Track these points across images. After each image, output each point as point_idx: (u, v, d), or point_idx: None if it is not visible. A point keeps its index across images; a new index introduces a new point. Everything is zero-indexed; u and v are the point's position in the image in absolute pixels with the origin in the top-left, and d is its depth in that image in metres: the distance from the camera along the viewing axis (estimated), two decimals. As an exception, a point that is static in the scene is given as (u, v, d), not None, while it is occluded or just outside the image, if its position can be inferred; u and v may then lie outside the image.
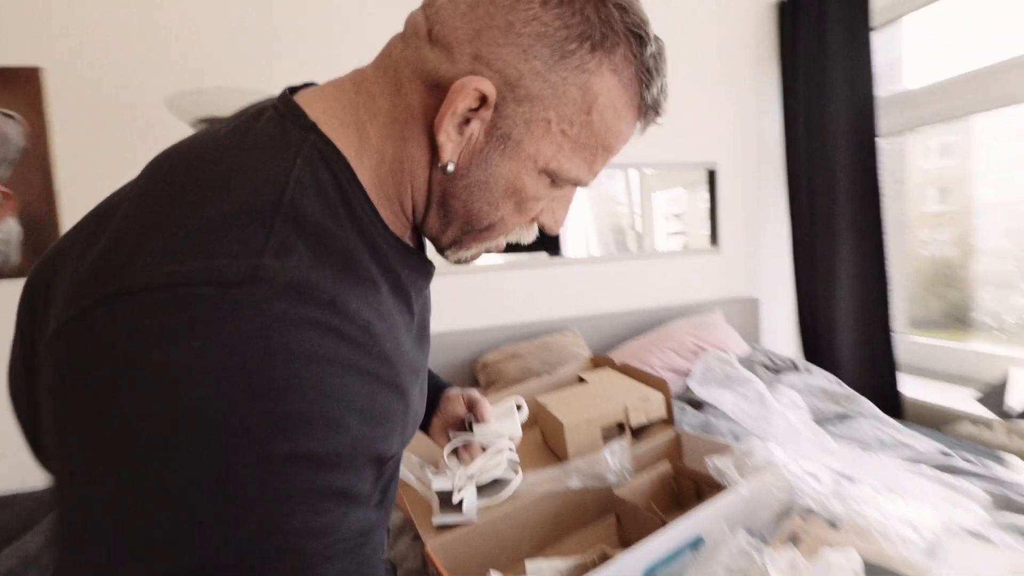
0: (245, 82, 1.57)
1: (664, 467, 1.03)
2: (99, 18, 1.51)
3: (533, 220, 0.44)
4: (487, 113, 0.34)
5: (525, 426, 1.30)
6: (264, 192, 0.28)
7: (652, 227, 2.09)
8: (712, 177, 2.15)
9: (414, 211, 0.40)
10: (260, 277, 0.25)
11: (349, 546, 0.25)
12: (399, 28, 0.39)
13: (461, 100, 0.33)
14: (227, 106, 1.08)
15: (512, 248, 1.57)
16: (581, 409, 1.12)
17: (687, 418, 1.34)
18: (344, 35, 1.65)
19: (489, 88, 0.33)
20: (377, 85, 0.36)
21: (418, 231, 0.43)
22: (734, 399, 1.20)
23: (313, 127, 0.33)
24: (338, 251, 0.30)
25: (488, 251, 0.45)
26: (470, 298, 1.86)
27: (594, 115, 0.36)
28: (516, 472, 0.84)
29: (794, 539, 0.79)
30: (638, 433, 1.16)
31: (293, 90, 0.38)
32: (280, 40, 1.63)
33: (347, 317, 0.28)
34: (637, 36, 0.35)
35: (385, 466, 0.33)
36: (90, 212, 0.34)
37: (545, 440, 1.21)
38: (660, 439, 1.12)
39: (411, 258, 0.39)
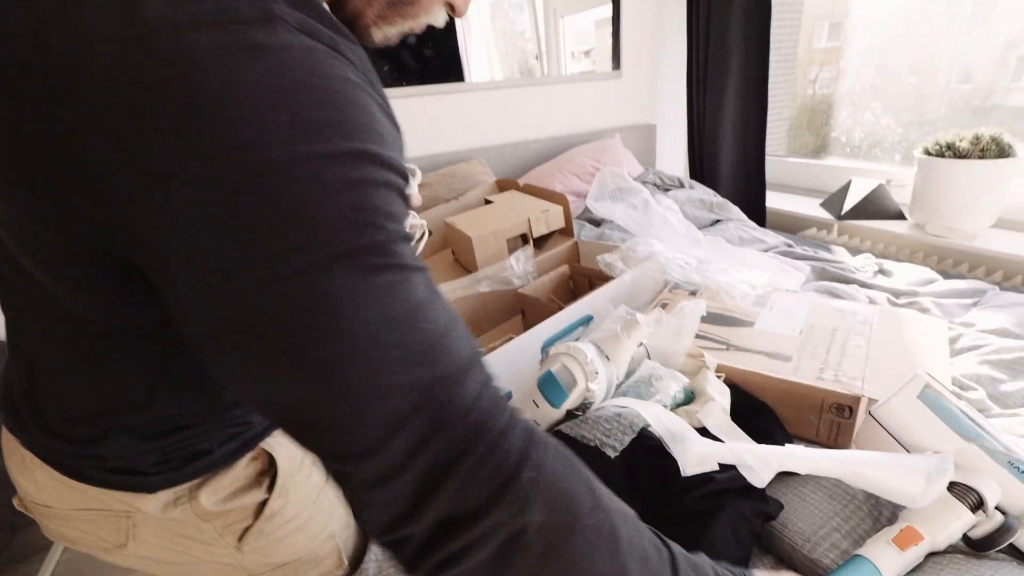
0: None
1: (563, 269, 1.16)
2: None
3: (448, 2, 0.44)
4: None
5: (436, 246, 1.36)
6: None
7: (559, 61, 2.01)
8: (617, -5, 2.05)
9: None
10: (274, 16, 0.27)
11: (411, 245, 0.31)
12: None
13: None
14: None
15: (415, 81, 1.45)
16: (487, 223, 1.19)
17: (585, 232, 1.48)
18: None
19: None
20: None
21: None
22: (624, 209, 1.33)
23: None
24: (309, 4, 0.30)
25: (405, 33, 0.45)
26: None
27: None
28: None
29: (663, 306, 0.96)
30: (540, 244, 1.27)
31: None
32: None
33: (351, 60, 0.30)
34: None
35: None
36: None
37: (456, 257, 1.29)
38: (560, 247, 1.24)
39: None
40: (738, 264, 1.04)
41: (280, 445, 0.55)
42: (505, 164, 1.93)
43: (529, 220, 1.19)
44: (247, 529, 0.52)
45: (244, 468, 0.52)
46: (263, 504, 0.53)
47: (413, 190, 0.67)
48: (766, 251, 1.36)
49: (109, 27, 0.25)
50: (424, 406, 0.29)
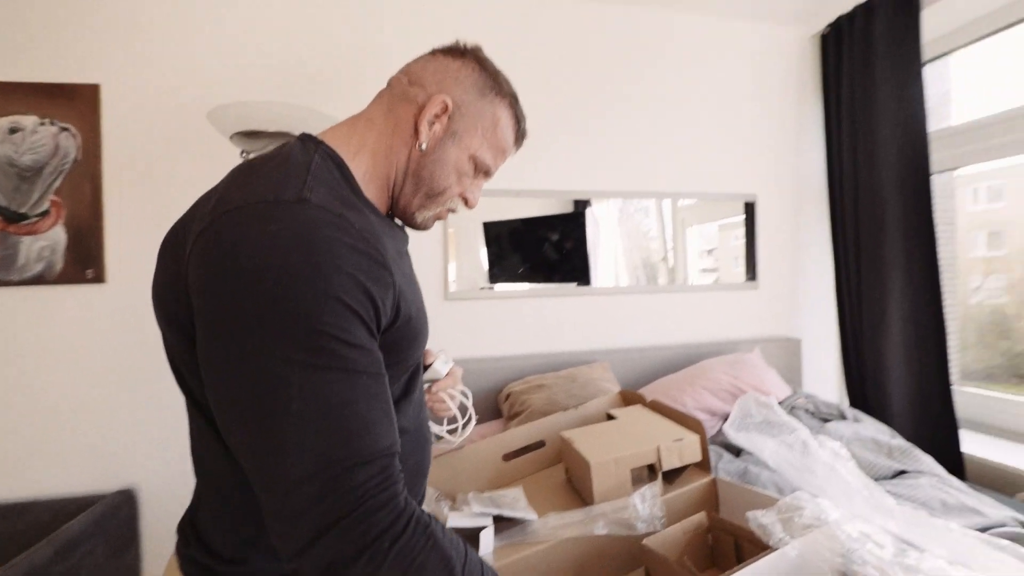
0: (281, 97, 1.61)
1: (699, 519, 0.95)
2: (152, 38, 1.58)
3: (462, 196, 0.67)
4: (445, 119, 0.61)
5: (549, 460, 1.23)
6: (300, 167, 0.51)
7: (685, 262, 2.02)
8: (750, 210, 2.07)
9: (395, 184, 0.62)
10: (303, 199, 0.46)
11: (364, 362, 0.46)
12: (417, 54, 0.66)
13: (432, 107, 0.60)
14: (265, 118, 1.08)
15: (542, 278, 1.61)
16: (609, 447, 1.05)
17: (724, 464, 1.24)
18: (365, 59, 1.69)
19: (449, 101, 0.60)
20: (375, 111, 0.63)
21: (391, 213, 0.66)
22: (775, 447, 1.11)
23: (321, 143, 0.56)
24: (342, 196, 0.52)
25: (439, 218, 0.67)
26: (496, 326, 1.81)
27: (498, 129, 0.65)
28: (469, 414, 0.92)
29: (852, 614, 0.69)
30: (670, 477, 1.08)
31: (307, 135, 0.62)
32: (315, 62, 1.68)
33: (349, 222, 0.47)
34: (513, 95, 0.66)
35: (399, 331, 0.53)
36: (200, 198, 0.53)
37: (570, 479, 1.14)
38: (694, 485, 1.03)
39: (385, 219, 0.61)
40: (960, 562, 0.74)
41: None
42: (630, 370, 1.82)
43: (659, 449, 1.03)
44: None
45: None
46: None
47: (439, 368, 0.83)
48: (987, 530, 1.01)
49: (212, 212, 0.47)
50: (322, 477, 0.42)
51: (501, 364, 1.73)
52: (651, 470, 1.06)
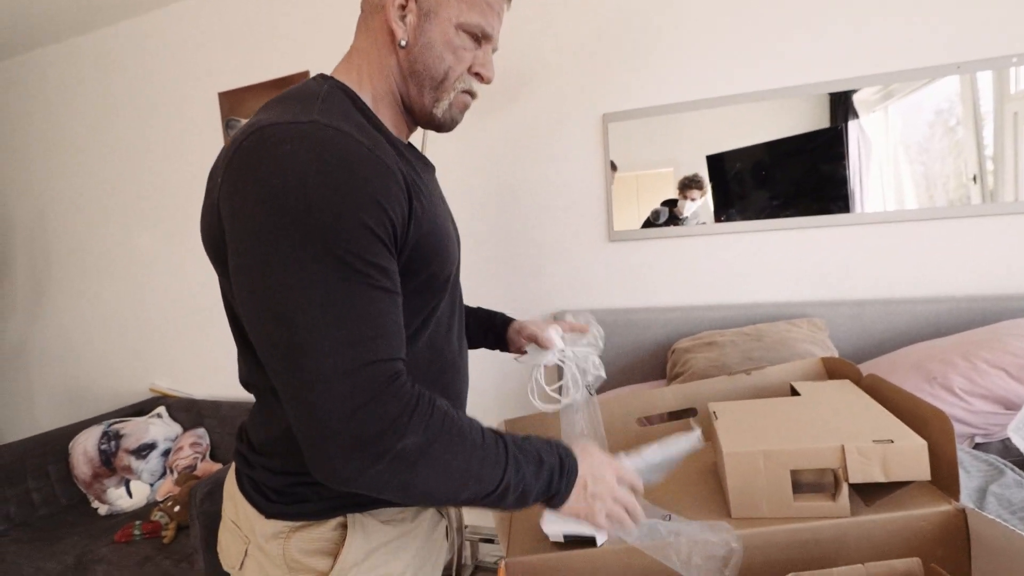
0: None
1: (908, 567, 0.58)
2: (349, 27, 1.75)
3: (472, 71, 0.63)
4: (412, 4, 0.59)
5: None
6: (312, 96, 0.54)
7: (1016, 179, 1.28)
8: None
9: (402, 95, 0.62)
10: (314, 121, 0.48)
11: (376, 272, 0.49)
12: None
13: (392, 1, 0.58)
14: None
15: (783, 213, 1.47)
16: (763, 434, 0.73)
17: (1000, 489, 0.74)
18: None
19: None
20: (359, 39, 0.62)
21: (419, 127, 0.67)
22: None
23: (330, 78, 0.59)
24: (355, 121, 0.53)
25: (462, 107, 0.65)
26: (675, 271, 1.50)
27: None
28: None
29: None
30: (875, 493, 0.69)
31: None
32: None
33: (360, 143, 0.49)
34: None
35: (417, 244, 0.54)
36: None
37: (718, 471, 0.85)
38: (915, 513, 0.64)
39: (409, 149, 0.64)
40: None
41: (362, 533, 0.60)
42: (864, 330, 1.29)
43: (843, 450, 0.67)
44: None
45: (330, 530, 0.59)
46: None
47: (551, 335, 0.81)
48: None
49: (236, 138, 0.50)
50: (345, 371, 0.46)
51: (672, 316, 1.43)
52: (835, 483, 0.70)
